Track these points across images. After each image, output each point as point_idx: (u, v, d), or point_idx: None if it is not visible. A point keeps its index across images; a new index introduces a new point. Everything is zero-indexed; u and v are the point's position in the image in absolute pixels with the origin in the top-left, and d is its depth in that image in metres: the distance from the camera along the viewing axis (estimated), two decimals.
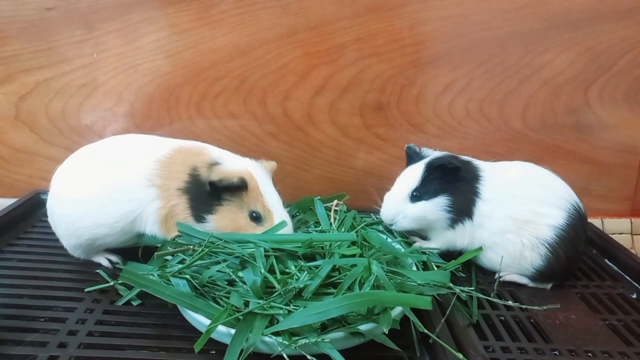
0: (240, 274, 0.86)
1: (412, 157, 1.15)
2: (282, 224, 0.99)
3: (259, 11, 1.34)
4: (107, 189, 0.98)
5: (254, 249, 0.90)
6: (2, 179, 1.44)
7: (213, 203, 0.96)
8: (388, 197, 1.12)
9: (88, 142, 1.38)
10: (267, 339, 0.75)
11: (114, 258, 1.07)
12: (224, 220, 0.97)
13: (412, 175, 1.09)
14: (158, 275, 0.87)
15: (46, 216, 1.28)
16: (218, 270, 0.88)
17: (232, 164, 1.00)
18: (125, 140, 1.05)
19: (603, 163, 1.50)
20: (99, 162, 1.02)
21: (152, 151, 1.00)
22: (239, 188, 0.96)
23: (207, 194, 0.96)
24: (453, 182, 1.05)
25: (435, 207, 1.06)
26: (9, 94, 1.37)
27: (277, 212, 1.00)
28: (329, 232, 1.07)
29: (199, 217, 0.97)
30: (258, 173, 1.01)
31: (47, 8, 1.31)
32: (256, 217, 0.98)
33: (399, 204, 1.09)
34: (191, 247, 0.91)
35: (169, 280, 0.85)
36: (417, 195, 1.07)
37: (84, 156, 1.05)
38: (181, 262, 0.91)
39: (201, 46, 1.36)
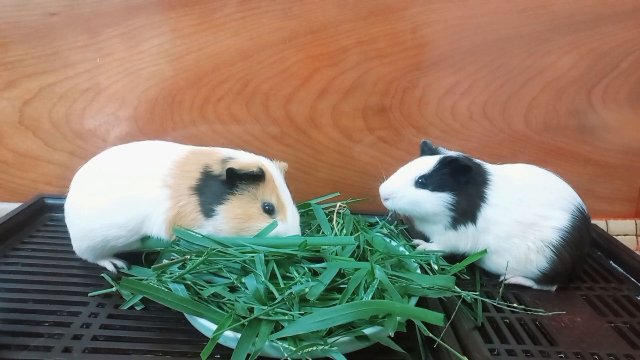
0: (243, 279, 0.85)
1: (427, 152, 1.15)
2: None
3: (261, 15, 1.34)
4: (124, 189, 0.99)
5: (253, 254, 0.89)
6: (6, 184, 1.45)
7: (225, 192, 0.96)
8: (394, 175, 1.12)
9: (91, 146, 1.41)
10: (273, 344, 0.75)
11: (119, 263, 1.07)
12: (235, 209, 0.96)
13: (424, 163, 1.08)
14: (157, 280, 0.86)
15: (50, 220, 1.30)
16: (219, 275, 0.88)
17: (247, 158, 1.02)
18: (147, 144, 1.07)
19: (607, 165, 1.50)
20: (119, 163, 1.03)
21: (169, 153, 1.02)
22: (256, 178, 0.97)
23: (219, 186, 0.96)
24: (462, 183, 1.05)
25: (437, 201, 1.06)
26: (12, 99, 1.38)
27: (290, 207, 1.01)
28: (330, 235, 1.07)
29: (208, 211, 0.96)
30: (273, 168, 1.03)
31: (50, 13, 1.31)
32: (269, 210, 0.98)
33: (402, 184, 1.08)
34: (188, 256, 0.90)
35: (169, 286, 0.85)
36: (423, 182, 1.06)
37: (106, 158, 1.06)
38: (182, 266, 0.90)
39: (204, 50, 1.36)
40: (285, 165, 1.11)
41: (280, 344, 0.74)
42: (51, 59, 1.35)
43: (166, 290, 0.84)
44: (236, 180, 0.97)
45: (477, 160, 1.11)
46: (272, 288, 0.82)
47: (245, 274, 0.87)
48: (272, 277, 0.86)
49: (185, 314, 0.86)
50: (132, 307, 0.93)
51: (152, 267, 0.92)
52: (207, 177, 0.97)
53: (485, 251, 1.06)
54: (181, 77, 1.38)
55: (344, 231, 1.09)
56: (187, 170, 0.99)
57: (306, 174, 1.48)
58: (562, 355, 0.86)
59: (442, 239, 1.10)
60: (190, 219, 0.97)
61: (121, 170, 1.01)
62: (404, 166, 1.12)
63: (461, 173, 1.05)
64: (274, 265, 0.87)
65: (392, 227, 1.21)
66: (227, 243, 0.93)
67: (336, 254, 0.93)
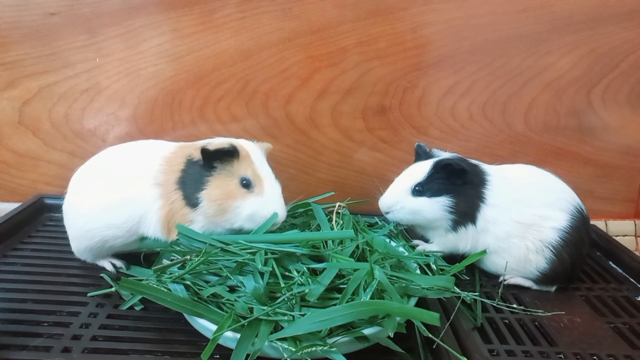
0: (242, 279, 0.85)
1: (421, 156, 1.15)
2: (274, 216, 0.98)
3: (261, 15, 1.34)
4: (120, 189, 0.99)
5: (253, 251, 0.89)
6: (5, 184, 1.44)
7: (204, 176, 0.97)
8: (390, 187, 1.12)
9: (91, 146, 1.41)
10: (272, 344, 0.75)
11: (118, 263, 1.07)
12: (215, 189, 0.96)
13: (418, 170, 1.08)
14: (157, 281, 0.87)
15: (50, 220, 1.30)
16: (219, 275, 0.88)
17: (221, 139, 1.03)
18: (143, 143, 1.08)
19: (606, 165, 1.50)
20: (116, 163, 1.03)
21: (160, 150, 1.03)
22: (229, 154, 0.98)
23: (199, 172, 0.97)
24: (459, 185, 1.05)
25: (436, 206, 1.06)
26: (12, 99, 1.38)
27: (268, 179, 1.01)
28: None
29: (194, 201, 0.96)
30: (250, 146, 1.03)
31: (50, 13, 1.31)
32: (246, 184, 0.99)
33: (400, 195, 1.08)
34: (188, 257, 0.90)
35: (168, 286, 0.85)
36: (420, 190, 1.07)
37: (102, 158, 1.06)
38: (182, 266, 0.90)
39: (204, 50, 1.36)
40: (269, 145, 1.12)
41: (280, 344, 0.74)
42: (51, 59, 1.35)
43: (165, 290, 0.84)
44: (212, 160, 0.97)
45: (474, 161, 1.11)
46: (282, 281, 0.82)
47: (245, 273, 0.87)
48: (271, 276, 0.86)
49: (185, 315, 0.86)
50: (131, 308, 0.93)
51: (152, 268, 0.92)
52: (189, 167, 0.98)
53: (484, 252, 1.06)
54: (181, 77, 1.38)
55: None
56: (174, 164, 1.00)
57: (306, 174, 1.48)
58: (562, 355, 0.86)
59: (442, 240, 1.10)
60: (181, 215, 0.97)
61: (117, 170, 1.02)
62: (399, 176, 1.12)
63: (456, 175, 1.05)
64: (274, 264, 0.87)
65: (391, 227, 1.21)
66: (227, 241, 0.93)
67: (335, 254, 0.93)
